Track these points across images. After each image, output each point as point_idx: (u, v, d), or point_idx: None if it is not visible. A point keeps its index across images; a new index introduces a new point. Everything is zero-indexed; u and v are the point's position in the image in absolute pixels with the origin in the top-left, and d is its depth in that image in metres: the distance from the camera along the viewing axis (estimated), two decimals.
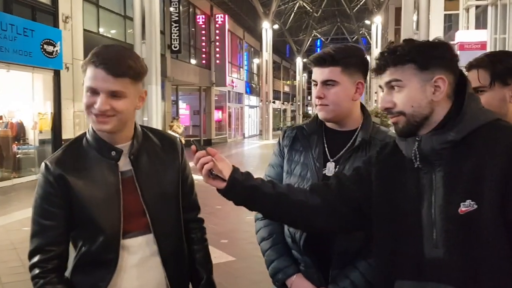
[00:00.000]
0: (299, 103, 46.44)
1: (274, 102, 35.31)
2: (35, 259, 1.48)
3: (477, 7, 15.35)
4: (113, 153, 1.52)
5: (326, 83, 1.73)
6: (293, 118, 47.87)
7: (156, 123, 12.93)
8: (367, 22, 34.96)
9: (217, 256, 5.15)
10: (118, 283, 1.52)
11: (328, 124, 1.83)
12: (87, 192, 1.48)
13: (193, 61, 22.71)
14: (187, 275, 1.71)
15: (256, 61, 36.61)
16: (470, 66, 1.80)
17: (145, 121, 12.89)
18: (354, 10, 40.11)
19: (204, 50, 24.34)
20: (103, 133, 1.50)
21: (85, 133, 1.58)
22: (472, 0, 15.03)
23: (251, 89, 35.21)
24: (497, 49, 14.39)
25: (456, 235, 1.21)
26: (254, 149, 23.59)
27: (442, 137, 1.27)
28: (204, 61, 24.19)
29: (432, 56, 1.30)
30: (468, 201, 1.19)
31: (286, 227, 1.83)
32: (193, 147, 1.44)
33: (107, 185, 1.50)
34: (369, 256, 1.66)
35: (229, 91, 28.36)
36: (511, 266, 1.16)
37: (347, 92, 1.74)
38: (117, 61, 1.42)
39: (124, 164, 1.54)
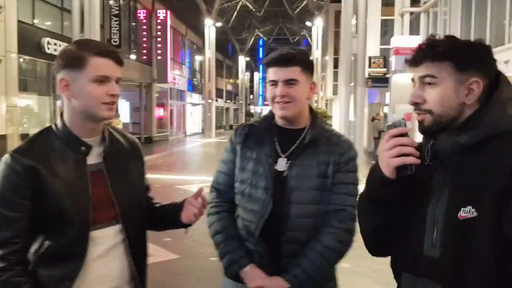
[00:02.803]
0: (241, 101, 46.64)
1: (217, 101, 35.28)
2: (0, 251, 1.45)
3: (411, 13, 16.20)
4: (83, 148, 1.55)
5: (288, 82, 1.81)
6: (236, 116, 48.03)
7: None
8: (308, 23, 35.70)
9: (160, 254, 5.11)
10: (86, 274, 1.52)
11: (279, 122, 1.91)
12: (57, 184, 1.48)
13: (133, 57, 22.20)
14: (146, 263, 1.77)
15: (198, 58, 36.37)
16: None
17: None
18: (295, 12, 40.82)
19: (145, 45, 23.86)
20: (73, 127, 1.55)
21: (51, 126, 1.59)
22: (407, 7, 15.83)
23: (193, 87, 34.94)
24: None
25: (452, 238, 1.21)
26: (197, 148, 23.44)
27: (455, 139, 1.25)
28: (145, 57, 23.70)
29: (471, 58, 1.25)
30: (468, 207, 1.18)
31: (240, 220, 1.89)
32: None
33: (76, 178, 1.51)
34: (317, 245, 1.78)
35: (170, 88, 27.97)
36: (500, 278, 1.15)
37: (305, 91, 1.85)
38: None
39: (94, 158, 1.57)
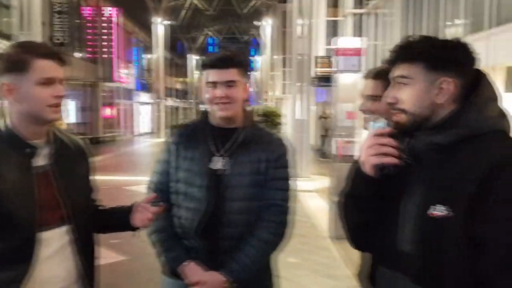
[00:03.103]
0: (192, 100, 46.31)
1: (166, 100, 34.84)
2: None
3: (355, 14, 16.71)
4: (28, 150, 1.53)
5: (227, 83, 1.88)
6: (186, 115, 47.61)
7: None
8: (258, 23, 35.97)
9: (109, 256, 5.06)
10: (34, 276, 1.51)
11: (214, 122, 1.97)
12: (3, 188, 1.46)
13: (78, 55, 21.56)
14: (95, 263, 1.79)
15: (147, 57, 35.77)
16: (368, 75, 1.98)
17: None
18: (245, 11, 40.97)
19: (90, 43, 23.22)
20: (18, 129, 1.53)
21: None
22: (351, 8, 16.31)
23: (142, 86, 34.32)
24: (371, 55, 15.82)
25: (422, 235, 1.23)
26: (146, 148, 23.07)
27: (431, 139, 1.27)
28: (90, 55, 23.08)
29: (443, 57, 1.27)
30: (439, 206, 1.19)
31: (176, 219, 1.94)
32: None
33: (21, 179, 1.51)
34: (251, 239, 1.87)
35: (118, 87, 27.37)
36: (470, 277, 1.17)
37: (242, 92, 1.94)
38: None
39: (40, 160, 1.56)
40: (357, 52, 7.43)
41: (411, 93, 1.29)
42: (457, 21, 9.78)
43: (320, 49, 16.41)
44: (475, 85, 1.29)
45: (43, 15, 13.90)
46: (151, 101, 32.42)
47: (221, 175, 1.89)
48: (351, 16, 16.40)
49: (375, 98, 1.93)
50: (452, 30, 10.12)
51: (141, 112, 34.51)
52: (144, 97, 34.79)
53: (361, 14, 16.52)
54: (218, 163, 1.91)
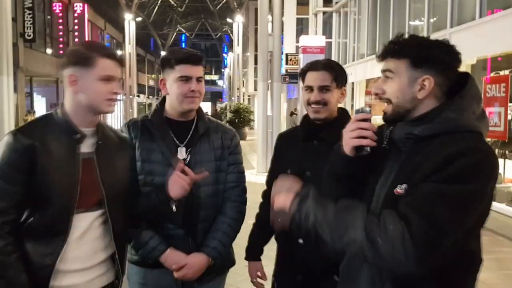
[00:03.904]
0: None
1: (138, 96, 34.59)
2: None
3: (324, 13, 17.04)
4: (77, 136, 1.69)
5: (198, 79, 2.03)
6: None
7: (8, 116, 12.01)
8: (230, 20, 36.04)
9: None
10: (66, 253, 1.66)
11: (172, 115, 2.09)
12: (49, 164, 1.62)
13: (49, 51, 21.28)
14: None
15: (119, 53, 35.30)
16: (316, 67, 2.12)
17: None
18: (217, 8, 40.94)
19: (61, 39, 22.90)
20: (73, 117, 1.70)
21: (52, 113, 1.75)
22: (320, 6, 16.62)
23: None
24: (340, 52, 16.19)
25: (381, 210, 1.34)
26: None
27: (410, 129, 1.38)
28: (61, 52, 22.74)
29: (427, 56, 1.36)
30: (404, 185, 1.32)
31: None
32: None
33: (67, 162, 1.67)
34: (225, 219, 2.07)
35: None
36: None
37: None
38: None
39: (86, 147, 1.73)
40: (321, 50, 7.68)
41: (395, 86, 1.40)
42: (421, 20, 10.20)
43: (289, 46, 16.69)
44: (462, 85, 1.39)
45: (13, 11, 13.73)
46: (123, 97, 32.12)
47: (189, 164, 2.02)
48: (320, 14, 16.74)
49: (327, 88, 2.08)
50: (417, 28, 10.55)
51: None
52: None
53: (331, 12, 16.89)
54: (183, 153, 2.06)
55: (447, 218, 1.23)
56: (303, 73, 2.17)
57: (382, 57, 1.45)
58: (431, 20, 9.64)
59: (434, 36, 7.76)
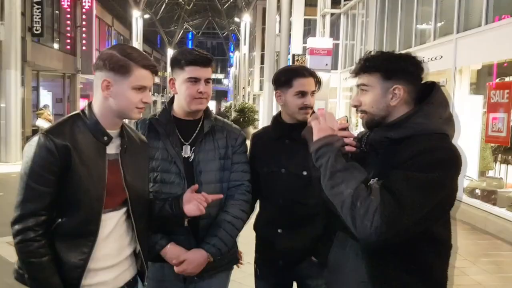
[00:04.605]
0: (170, 94, 46.01)
1: None
2: (29, 222, 1.57)
3: (332, 14, 17.04)
4: (105, 138, 1.72)
5: (207, 80, 2.07)
6: None
7: (15, 110, 12.14)
8: (237, 19, 36.04)
9: None
10: (98, 251, 1.69)
11: (179, 115, 2.15)
12: (82, 167, 1.63)
13: (56, 46, 21.37)
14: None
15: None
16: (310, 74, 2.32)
17: (3, 107, 12.02)
18: (224, 6, 40.97)
19: (69, 35, 22.99)
20: (101, 119, 1.72)
21: (79, 113, 1.76)
22: (328, 8, 16.63)
23: None
24: (347, 54, 16.20)
25: None
26: None
27: (385, 133, 1.58)
28: (69, 47, 22.85)
29: (395, 69, 1.57)
30: (376, 179, 1.50)
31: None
32: None
33: (97, 164, 1.68)
34: (226, 216, 2.10)
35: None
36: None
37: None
38: None
39: (112, 149, 1.76)
40: (328, 52, 7.73)
41: (370, 98, 1.61)
42: (428, 24, 10.21)
43: (296, 47, 16.71)
44: (431, 91, 1.60)
45: (22, 5, 13.83)
46: None
47: (193, 162, 2.08)
48: (328, 16, 16.75)
49: (314, 92, 2.31)
50: (424, 32, 10.55)
51: None
52: None
53: (339, 14, 16.89)
54: (187, 151, 2.10)
55: (411, 200, 1.41)
56: (288, 79, 2.29)
57: (356, 73, 1.65)
58: (438, 25, 9.65)
59: (440, 41, 7.82)
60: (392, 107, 1.59)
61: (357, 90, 1.67)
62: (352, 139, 1.62)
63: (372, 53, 1.65)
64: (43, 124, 14.12)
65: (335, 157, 1.52)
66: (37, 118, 15.07)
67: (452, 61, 8.39)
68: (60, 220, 1.65)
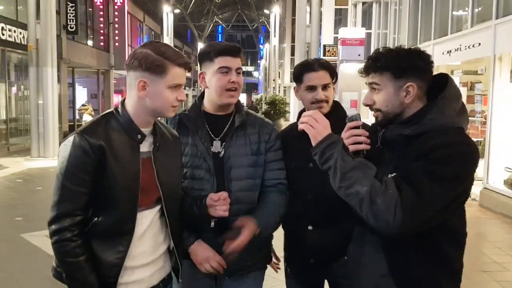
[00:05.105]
0: (200, 88, 46.39)
1: None
2: (65, 223, 1.57)
3: (363, 3, 16.71)
4: (139, 136, 1.71)
5: (238, 71, 2.03)
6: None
7: (52, 106, 12.46)
8: (266, 11, 35.88)
9: None
10: (134, 249, 1.69)
11: (209, 109, 2.11)
12: (116, 165, 1.62)
13: (90, 43, 21.83)
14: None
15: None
16: (318, 66, 2.24)
17: (40, 104, 12.37)
18: None
19: (102, 32, 23.43)
20: (135, 118, 1.70)
21: (113, 111, 1.74)
22: None
23: None
24: (380, 44, 15.86)
25: None
26: None
27: (400, 130, 1.58)
28: (102, 43, 23.29)
29: (406, 66, 1.55)
30: (394, 174, 1.51)
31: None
32: None
33: (131, 162, 1.67)
34: (268, 202, 2.06)
35: None
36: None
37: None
38: None
39: (145, 147, 1.74)
40: (361, 42, 7.56)
41: (383, 97, 1.60)
42: (465, 10, 9.87)
43: (327, 38, 16.49)
44: (441, 83, 1.58)
45: (57, 4, 14.15)
46: None
47: (223, 157, 2.04)
48: (360, 5, 16.44)
49: (328, 86, 2.24)
50: (460, 18, 10.21)
51: None
52: None
53: (371, 3, 16.55)
54: (218, 147, 2.06)
55: (430, 191, 1.42)
56: (300, 74, 2.25)
57: (366, 73, 1.64)
58: (476, 11, 9.31)
59: (478, 27, 7.52)
60: (407, 104, 1.59)
61: (369, 88, 1.65)
62: (365, 137, 1.62)
63: (380, 50, 1.63)
64: (90, 119, 14.42)
65: (342, 157, 1.52)
66: (81, 115, 15.39)
67: (491, 48, 8.08)
68: (96, 219, 1.64)
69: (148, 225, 1.75)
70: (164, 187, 1.76)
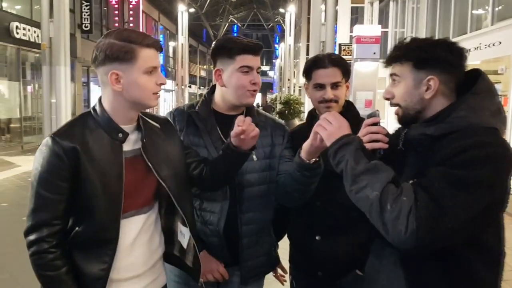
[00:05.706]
0: None
1: (190, 87, 35.14)
2: (43, 233, 1.45)
3: (380, 1, 16.44)
4: (120, 135, 1.55)
5: (258, 70, 1.90)
6: None
7: (65, 105, 12.48)
8: (282, 10, 35.73)
9: None
10: (121, 260, 1.56)
11: (220, 108, 1.97)
12: (95, 169, 1.48)
13: None
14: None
15: (172, 44, 36.05)
16: (328, 63, 2.07)
17: (53, 103, 12.40)
18: None
19: None
20: (114, 115, 1.55)
21: (91, 111, 1.59)
22: None
23: (166, 73, 34.64)
24: (396, 42, 15.53)
25: None
26: None
27: (423, 129, 1.41)
28: None
29: (428, 58, 1.40)
30: (415, 180, 1.34)
31: (198, 210, 1.93)
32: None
33: (112, 164, 1.52)
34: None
35: None
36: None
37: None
38: None
39: (130, 144, 1.59)
40: (376, 40, 7.36)
41: (402, 90, 1.46)
42: (485, 9, 9.60)
43: (343, 37, 16.23)
44: (474, 81, 1.40)
45: (71, 3, 14.19)
46: (175, 88, 32.75)
47: None
48: (376, 3, 16.16)
49: (338, 84, 2.05)
50: (480, 17, 9.93)
51: (166, 98, 34.91)
52: (168, 84, 35.13)
53: (388, 1, 16.28)
54: None
55: (452, 200, 1.23)
56: (309, 70, 2.10)
57: (388, 63, 1.51)
58: (496, 9, 9.03)
59: (499, 25, 7.28)
60: (427, 100, 1.42)
61: (390, 81, 1.52)
62: (383, 135, 1.50)
63: (407, 40, 1.48)
64: None
65: (354, 159, 1.37)
66: None
67: (511, 47, 7.82)
68: (77, 228, 1.51)
69: (138, 233, 1.60)
70: (169, 182, 1.62)
